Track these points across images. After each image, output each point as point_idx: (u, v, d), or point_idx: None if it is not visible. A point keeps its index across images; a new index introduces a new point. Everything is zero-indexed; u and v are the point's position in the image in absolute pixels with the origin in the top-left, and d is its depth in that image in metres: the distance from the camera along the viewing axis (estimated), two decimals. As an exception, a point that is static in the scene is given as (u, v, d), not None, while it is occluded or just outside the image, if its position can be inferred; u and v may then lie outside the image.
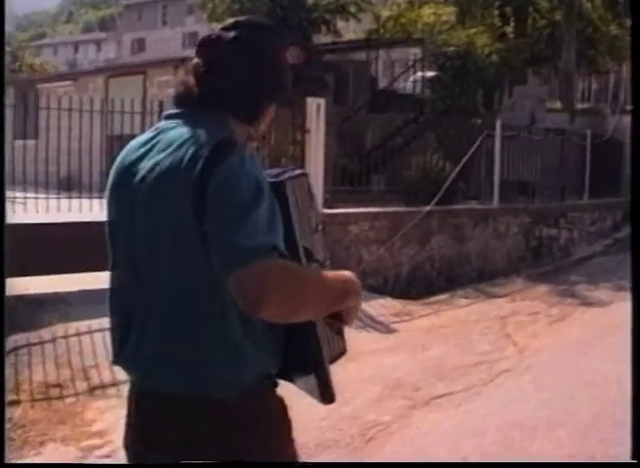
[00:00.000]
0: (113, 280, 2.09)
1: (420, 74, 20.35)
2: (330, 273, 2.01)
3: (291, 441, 2.08)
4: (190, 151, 1.91)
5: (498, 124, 13.17)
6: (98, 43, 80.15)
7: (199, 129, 1.96)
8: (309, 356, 2.03)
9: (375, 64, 24.22)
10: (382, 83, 23.94)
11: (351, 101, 21.68)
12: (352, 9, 18.24)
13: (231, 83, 2.01)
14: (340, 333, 2.15)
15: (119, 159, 2.10)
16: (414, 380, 6.64)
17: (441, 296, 10.41)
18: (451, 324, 8.89)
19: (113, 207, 2.08)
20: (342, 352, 2.16)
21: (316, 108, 10.46)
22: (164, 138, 2.01)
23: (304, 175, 2.15)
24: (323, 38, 18.61)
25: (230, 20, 2.10)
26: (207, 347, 1.93)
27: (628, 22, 25.51)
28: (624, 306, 8.10)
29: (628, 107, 21.72)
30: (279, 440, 2.05)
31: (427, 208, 11.55)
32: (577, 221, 14.52)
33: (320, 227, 2.17)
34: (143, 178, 1.98)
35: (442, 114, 18.75)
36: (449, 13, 26.37)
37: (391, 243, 10.79)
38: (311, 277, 1.93)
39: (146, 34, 68.12)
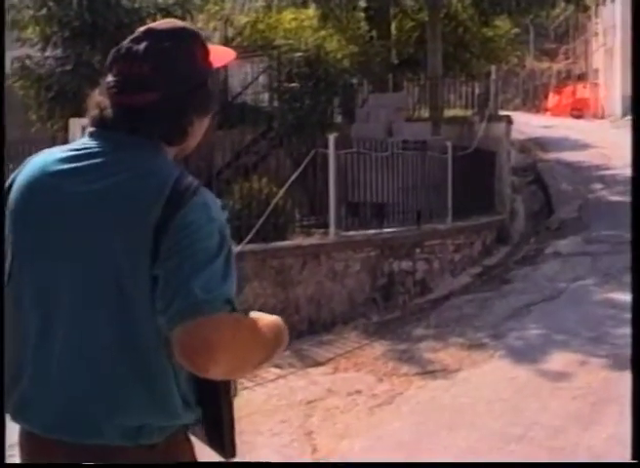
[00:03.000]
0: (9, 320, 1.89)
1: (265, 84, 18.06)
2: (264, 323, 1.88)
3: None
4: (147, 186, 1.79)
5: (330, 139, 10.84)
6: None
7: (145, 159, 1.85)
8: (216, 406, 1.93)
9: (224, 75, 21.88)
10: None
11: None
12: (178, 11, 15.72)
13: (147, 102, 1.85)
14: None
15: (30, 171, 1.90)
16: None
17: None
18: (238, 415, 6.34)
19: (22, 228, 1.88)
20: (235, 394, 2.00)
21: (80, 130, 8.47)
22: (103, 163, 1.85)
23: (224, 207, 1.95)
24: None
25: (140, 29, 1.92)
26: (140, 402, 1.82)
27: (498, 23, 23.89)
28: (475, 375, 5.72)
29: (503, 113, 19.94)
30: None
31: (237, 248, 9.09)
32: (437, 250, 12.25)
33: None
34: (79, 204, 1.82)
35: (294, 128, 16.56)
36: (311, 17, 24.33)
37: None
38: (258, 332, 1.83)
39: None
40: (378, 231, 11.41)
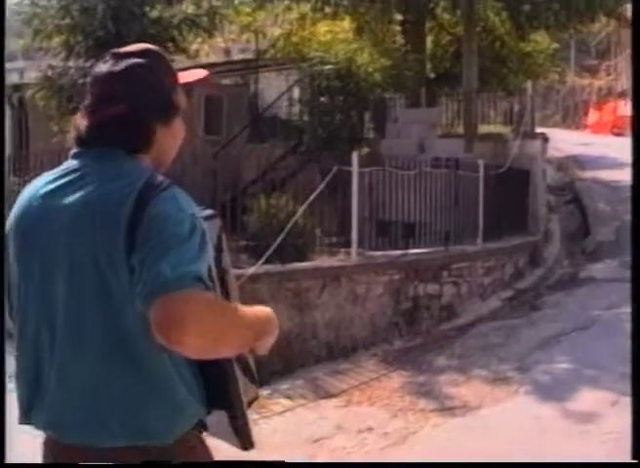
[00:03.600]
0: (22, 330, 2.01)
1: (296, 96, 17.73)
2: (250, 309, 1.98)
3: None
4: (118, 186, 1.91)
5: (354, 156, 10.39)
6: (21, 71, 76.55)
7: (117, 164, 1.99)
8: (227, 400, 1.98)
9: (255, 87, 21.62)
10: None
11: (226, 130, 19.15)
12: (204, 22, 15.35)
13: (115, 116, 2.01)
14: (250, 376, 2.11)
15: (24, 202, 2.05)
16: None
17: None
18: (237, 452, 5.89)
19: (23, 249, 2.01)
20: (256, 397, 2.16)
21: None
22: (80, 176, 1.99)
23: (215, 215, 2.16)
24: (177, 58, 15.65)
25: (107, 53, 2.11)
26: (142, 395, 1.88)
27: (536, 37, 23.34)
28: (497, 414, 5.17)
29: (538, 130, 19.39)
30: None
31: (251, 270, 8.69)
32: (465, 273, 11.72)
33: (229, 269, 2.18)
34: (64, 216, 1.94)
35: (325, 143, 16.19)
36: (346, 30, 23.97)
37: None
38: (233, 311, 1.91)
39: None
40: (403, 252, 10.90)
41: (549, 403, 6.97)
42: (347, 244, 10.72)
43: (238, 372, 2.02)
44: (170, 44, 14.88)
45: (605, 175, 22.15)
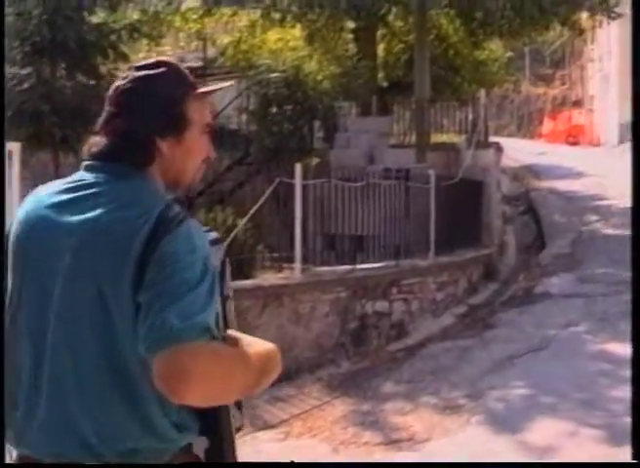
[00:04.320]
0: (11, 351, 1.95)
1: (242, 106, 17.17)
2: (254, 348, 1.89)
3: None
4: (132, 215, 1.84)
5: (297, 168, 9.81)
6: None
7: (131, 187, 1.92)
8: (217, 429, 1.96)
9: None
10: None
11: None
12: (145, 29, 14.72)
13: (121, 129, 1.97)
14: (237, 403, 2.04)
15: (30, 206, 1.99)
16: None
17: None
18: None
19: (22, 263, 1.94)
20: (241, 426, 2.08)
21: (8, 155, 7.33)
22: (93, 194, 1.92)
23: (219, 240, 2.08)
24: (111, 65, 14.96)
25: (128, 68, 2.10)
26: (130, 423, 1.84)
27: (490, 45, 23.02)
28: (446, 447, 4.50)
29: (493, 140, 18.97)
30: None
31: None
32: (416, 289, 11.18)
33: (231, 295, 2.12)
34: (72, 233, 1.88)
35: (272, 153, 15.66)
36: (297, 38, 23.52)
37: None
38: (239, 358, 1.84)
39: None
40: (350, 268, 10.35)
41: (503, 434, 6.44)
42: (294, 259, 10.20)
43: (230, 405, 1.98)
44: (110, 51, 14.23)
45: (561, 185, 21.84)
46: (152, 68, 2.03)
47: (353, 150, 14.47)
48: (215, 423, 1.95)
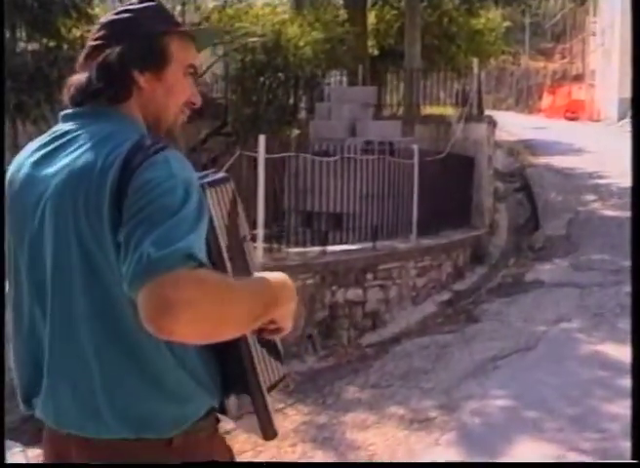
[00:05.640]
0: (18, 316, 1.88)
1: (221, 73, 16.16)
2: (257, 278, 1.79)
3: None
4: (104, 152, 1.73)
5: (260, 140, 8.80)
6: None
7: (105, 125, 1.82)
8: (244, 384, 1.80)
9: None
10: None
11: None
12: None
13: (96, 64, 1.88)
14: (275, 352, 1.89)
15: (13, 169, 1.93)
16: None
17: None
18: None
19: (14, 224, 1.87)
20: (282, 378, 1.91)
21: None
22: (67, 141, 1.84)
23: (227, 179, 1.94)
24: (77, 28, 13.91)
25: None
26: (138, 383, 1.72)
27: (487, 14, 21.95)
28: None
29: (491, 113, 17.87)
30: None
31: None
32: (395, 274, 10.17)
33: (248, 237, 1.98)
34: (48, 186, 1.79)
35: (251, 124, 14.67)
36: (284, 3, 22.61)
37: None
38: (232, 286, 1.66)
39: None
40: (320, 250, 9.35)
41: (476, 459, 5.44)
42: (272, 239, 9.27)
43: (258, 351, 1.79)
44: (73, 11, 13.18)
45: (558, 161, 20.82)
46: (135, 4, 1.96)
47: (334, 121, 13.39)
48: (242, 379, 1.77)
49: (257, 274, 1.83)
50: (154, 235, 1.57)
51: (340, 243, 10.17)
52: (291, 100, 15.77)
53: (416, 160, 11.17)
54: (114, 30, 1.90)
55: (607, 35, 37.82)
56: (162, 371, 1.72)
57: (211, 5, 22.91)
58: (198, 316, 1.52)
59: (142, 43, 1.89)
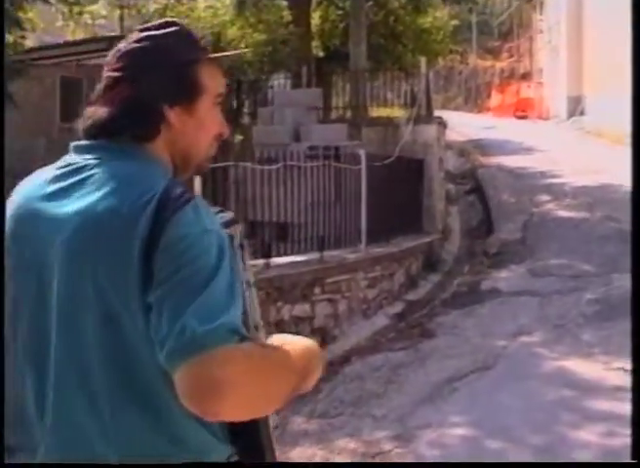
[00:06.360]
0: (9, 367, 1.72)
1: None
2: (291, 347, 1.64)
3: None
4: (130, 197, 1.58)
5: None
6: None
7: (128, 165, 1.67)
8: (254, 435, 1.71)
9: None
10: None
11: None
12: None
13: (120, 98, 1.72)
14: None
15: (20, 200, 1.76)
16: None
17: None
18: None
19: (16, 264, 1.71)
20: (275, 427, 1.95)
21: None
22: (86, 177, 1.68)
23: (236, 221, 1.81)
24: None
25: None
26: (160, 451, 1.59)
27: (434, 13, 21.55)
28: None
29: (440, 113, 17.36)
30: None
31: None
32: (344, 287, 9.62)
33: (252, 281, 1.84)
34: (63, 227, 1.63)
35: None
36: (226, 5, 21.97)
37: None
38: (276, 360, 1.57)
39: None
40: (264, 263, 8.76)
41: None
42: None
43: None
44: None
45: (510, 160, 20.45)
46: (160, 28, 1.78)
47: (277, 126, 12.82)
48: (250, 427, 1.66)
49: (287, 337, 1.71)
50: (195, 305, 1.46)
51: (286, 254, 9.60)
52: (233, 105, 15.19)
53: (363, 165, 10.64)
54: (137, 60, 1.75)
55: (554, 32, 37.71)
56: (185, 432, 1.60)
57: (152, 8, 22.34)
58: (245, 397, 1.46)
59: (172, 74, 1.74)
